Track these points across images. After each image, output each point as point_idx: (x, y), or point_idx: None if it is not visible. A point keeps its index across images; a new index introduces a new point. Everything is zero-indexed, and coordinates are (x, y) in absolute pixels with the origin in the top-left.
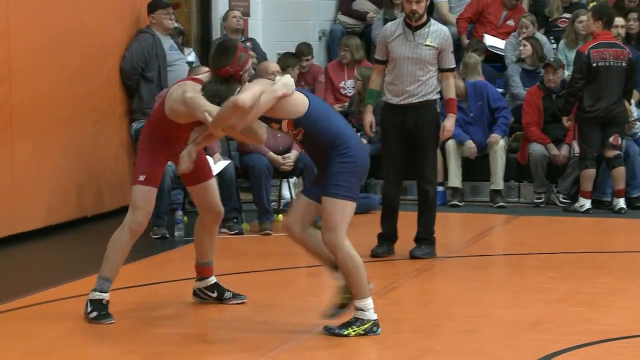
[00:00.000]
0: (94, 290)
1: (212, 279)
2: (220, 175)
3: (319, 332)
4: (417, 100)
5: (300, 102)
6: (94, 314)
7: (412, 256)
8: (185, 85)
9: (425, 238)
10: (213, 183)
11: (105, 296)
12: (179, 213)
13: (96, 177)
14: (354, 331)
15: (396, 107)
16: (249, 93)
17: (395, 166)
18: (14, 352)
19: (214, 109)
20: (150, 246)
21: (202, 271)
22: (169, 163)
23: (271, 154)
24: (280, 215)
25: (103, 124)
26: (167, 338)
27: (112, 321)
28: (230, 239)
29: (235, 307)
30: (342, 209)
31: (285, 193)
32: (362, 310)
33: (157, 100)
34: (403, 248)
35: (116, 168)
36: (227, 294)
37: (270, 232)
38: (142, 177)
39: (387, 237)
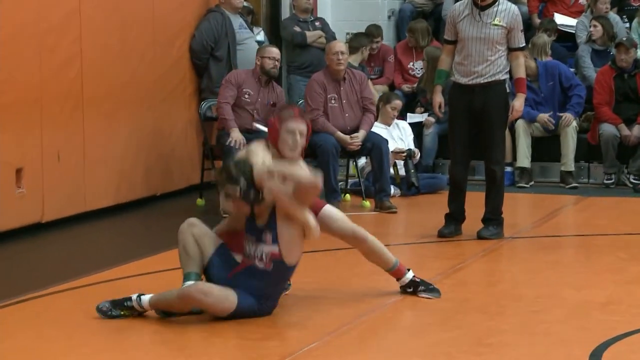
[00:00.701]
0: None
1: None
2: None
3: (385, 311)
4: (486, 81)
5: None
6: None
7: (480, 236)
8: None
9: (492, 218)
10: (327, 212)
11: None
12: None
13: (165, 156)
14: None
15: (464, 87)
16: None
17: (462, 146)
18: (82, 329)
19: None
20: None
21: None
22: None
23: (339, 133)
24: (348, 195)
25: (172, 103)
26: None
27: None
28: None
29: (302, 286)
30: None
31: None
32: None
33: (224, 83)
34: (470, 228)
35: (185, 147)
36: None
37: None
38: None
39: (455, 217)
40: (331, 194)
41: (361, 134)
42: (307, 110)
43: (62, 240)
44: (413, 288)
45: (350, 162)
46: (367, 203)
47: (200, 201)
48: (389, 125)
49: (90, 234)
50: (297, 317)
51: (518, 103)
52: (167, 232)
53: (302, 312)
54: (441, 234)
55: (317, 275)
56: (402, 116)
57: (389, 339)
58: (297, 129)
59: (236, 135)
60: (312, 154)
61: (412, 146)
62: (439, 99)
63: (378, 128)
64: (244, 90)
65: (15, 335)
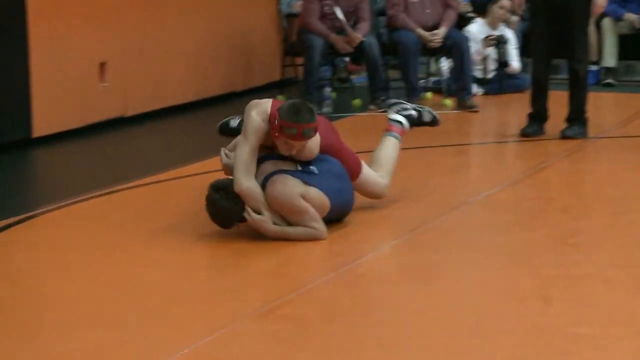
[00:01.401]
0: None
1: None
2: (365, 52)
3: (468, 209)
4: None
5: None
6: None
7: (563, 136)
8: (261, 103)
9: (576, 118)
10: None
11: None
12: (327, 89)
13: (245, 53)
14: None
15: None
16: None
17: (544, 45)
18: (149, 224)
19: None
20: None
21: None
22: None
23: (419, 30)
24: (429, 93)
25: None
26: None
27: None
28: (377, 117)
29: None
30: None
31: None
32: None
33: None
34: (554, 128)
35: (265, 43)
36: None
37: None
38: None
39: (537, 117)
40: (411, 92)
41: (442, 31)
42: (388, 6)
43: (144, 134)
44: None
45: (431, 60)
46: (449, 102)
47: (281, 97)
48: (495, 29)
49: (172, 129)
50: (379, 215)
51: None
52: None
53: (384, 210)
54: (524, 134)
55: (395, 172)
56: (482, 13)
57: (471, 237)
58: (295, 146)
59: (335, 40)
60: (393, 51)
61: (514, 58)
62: None
63: (479, 28)
64: (325, 2)
65: (101, 223)
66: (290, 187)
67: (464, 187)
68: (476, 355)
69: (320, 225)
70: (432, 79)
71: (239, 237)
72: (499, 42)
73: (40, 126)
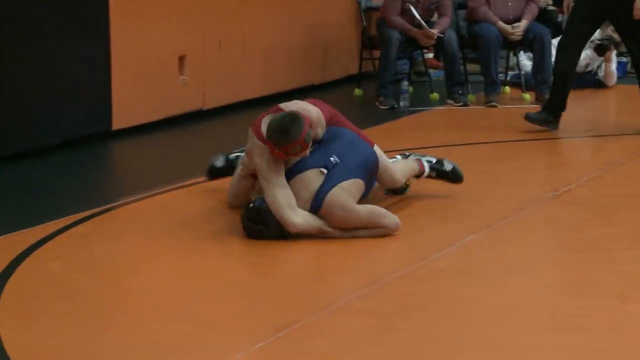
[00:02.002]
0: None
1: None
2: (444, 47)
3: (543, 205)
4: None
5: None
6: None
7: None
8: (254, 146)
9: None
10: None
11: None
12: (405, 83)
13: (323, 46)
14: None
15: None
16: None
17: (574, 39)
18: (228, 217)
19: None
20: (377, 116)
21: None
22: None
23: (500, 22)
24: (507, 88)
25: None
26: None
27: None
28: (454, 111)
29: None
30: None
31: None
32: None
33: None
34: (632, 123)
35: (343, 36)
36: None
37: (496, 104)
38: None
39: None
40: (491, 85)
41: (523, 24)
42: None
43: (222, 127)
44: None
45: (510, 54)
46: (527, 96)
47: (358, 91)
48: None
49: (250, 122)
50: (455, 210)
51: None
52: None
53: (460, 205)
54: (528, 117)
55: (472, 167)
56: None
57: (546, 233)
58: (307, 150)
59: (417, 34)
60: (472, 44)
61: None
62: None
63: None
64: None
65: (180, 216)
66: (343, 204)
67: (541, 182)
68: (552, 353)
69: (390, 219)
70: (511, 73)
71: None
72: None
73: (120, 119)
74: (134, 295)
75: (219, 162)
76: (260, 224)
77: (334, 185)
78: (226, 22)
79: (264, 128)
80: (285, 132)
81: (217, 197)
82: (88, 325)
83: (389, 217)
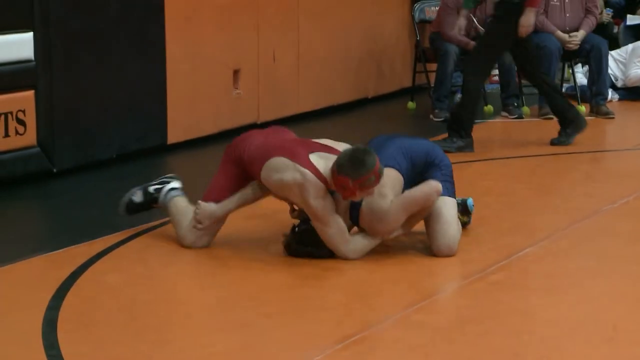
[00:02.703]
0: None
1: None
2: (500, 60)
3: (601, 217)
4: None
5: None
6: None
7: None
8: (305, 182)
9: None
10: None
11: None
12: (459, 96)
13: (377, 58)
14: None
15: None
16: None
17: None
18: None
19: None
20: (431, 129)
21: None
22: None
23: (558, 32)
24: None
25: (385, 3)
26: None
27: None
28: (509, 123)
29: (515, 191)
30: None
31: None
32: None
33: (442, 7)
34: None
35: (397, 49)
36: None
37: (551, 116)
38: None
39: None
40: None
41: (580, 34)
42: None
43: None
44: None
45: (566, 66)
46: (583, 108)
47: (411, 104)
48: None
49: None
50: (511, 223)
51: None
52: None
53: (517, 217)
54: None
55: (528, 179)
56: (620, 18)
57: (605, 245)
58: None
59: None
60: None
61: None
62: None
63: None
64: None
65: (235, 229)
66: (378, 214)
67: (598, 194)
68: None
69: (427, 194)
70: (566, 85)
71: None
72: None
73: (175, 133)
74: (191, 308)
75: (137, 197)
76: (310, 246)
77: None
78: (280, 35)
79: (318, 165)
80: (362, 163)
81: (268, 207)
82: (146, 337)
83: (426, 191)
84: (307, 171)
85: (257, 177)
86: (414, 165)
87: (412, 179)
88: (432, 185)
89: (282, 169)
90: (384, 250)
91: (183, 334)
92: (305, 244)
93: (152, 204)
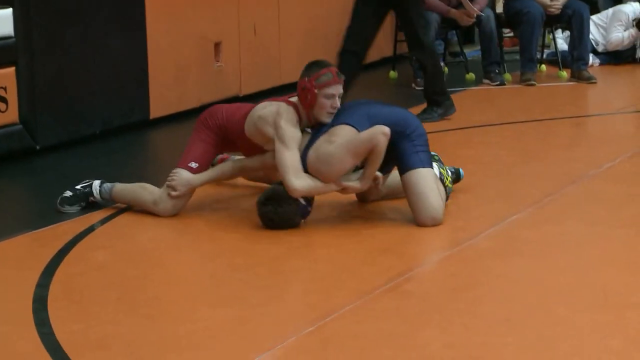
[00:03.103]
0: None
1: None
2: (481, 26)
3: (589, 183)
4: None
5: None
6: None
7: None
8: (280, 108)
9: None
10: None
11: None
12: (441, 64)
13: None
14: None
15: None
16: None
17: None
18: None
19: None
20: (414, 98)
21: None
22: None
23: None
24: (543, 66)
25: None
26: None
27: None
28: (491, 90)
29: (502, 158)
30: None
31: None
32: None
33: None
34: None
35: None
36: None
37: (533, 82)
38: (194, 165)
39: None
40: (528, 63)
41: None
42: None
43: None
44: None
45: (546, 32)
46: (564, 73)
47: (393, 73)
48: None
49: None
50: (497, 190)
51: None
52: None
53: (503, 184)
54: None
55: (512, 146)
56: None
57: (592, 210)
58: (337, 93)
59: (455, 14)
60: (511, 22)
61: None
62: None
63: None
64: None
65: (221, 204)
66: (324, 158)
67: (583, 159)
68: (603, 331)
69: (375, 136)
70: (547, 51)
71: (354, 215)
72: None
73: (158, 108)
74: (179, 283)
75: (68, 194)
76: (271, 204)
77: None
78: (261, 8)
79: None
80: (316, 62)
81: (253, 183)
82: (136, 313)
83: (371, 132)
84: (283, 103)
85: (237, 131)
86: None
87: None
88: (378, 127)
89: (263, 107)
90: (371, 219)
91: (173, 309)
92: (264, 203)
93: (90, 197)
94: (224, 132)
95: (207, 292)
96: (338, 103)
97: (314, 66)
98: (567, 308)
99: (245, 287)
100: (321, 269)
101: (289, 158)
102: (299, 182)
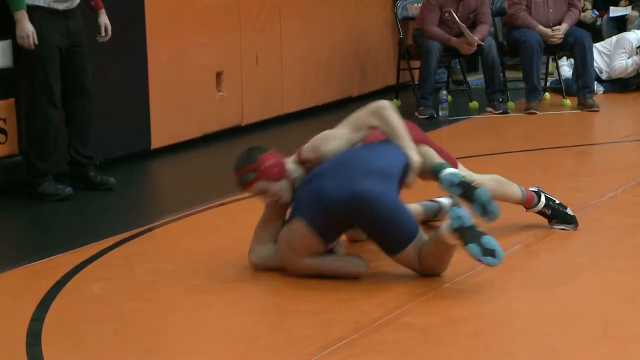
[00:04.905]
0: None
1: None
2: (484, 54)
3: (590, 211)
4: None
5: None
6: None
7: None
8: None
9: None
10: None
11: None
12: (443, 92)
13: (360, 57)
14: None
15: None
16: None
17: None
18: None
19: None
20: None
21: None
22: None
23: (540, 26)
24: (547, 94)
25: (367, 2)
26: None
27: None
28: (494, 119)
29: None
30: None
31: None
32: None
33: (425, 4)
34: None
35: (380, 47)
36: None
37: (535, 111)
38: None
39: None
40: (532, 92)
41: (563, 27)
42: (509, 4)
43: (261, 142)
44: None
45: (550, 60)
46: (568, 101)
47: (396, 102)
48: None
49: (288, 136)
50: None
51: None
52: None
53: (505, 214)
54: None
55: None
56: (604, 10)
57: (595, 240)
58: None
59: (456, 42)
60: (511, 51)
61: None
62: None
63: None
64: (444, 10)
65: (221, 234)
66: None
67: (585, 189)
68: None
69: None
70: (551, 79)
71: (352, 249)
72: None
73: (159, 137)
74: (177, 316)
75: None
76: None
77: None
78: (263, 37)
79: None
80: (241, 156)
81: (256, 215)
82: (133, 346)
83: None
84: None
85: None
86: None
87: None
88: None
89: None
90: (369, 252)
91: (171, 342)
92: None
93: None
94: None
95: (204, 325)
96: (266, 199)
97: (238, 159)
98: (568, 341)
99: (242, 321)
100: (320, 301)
101: (261, 220)
102: (252, 256)
